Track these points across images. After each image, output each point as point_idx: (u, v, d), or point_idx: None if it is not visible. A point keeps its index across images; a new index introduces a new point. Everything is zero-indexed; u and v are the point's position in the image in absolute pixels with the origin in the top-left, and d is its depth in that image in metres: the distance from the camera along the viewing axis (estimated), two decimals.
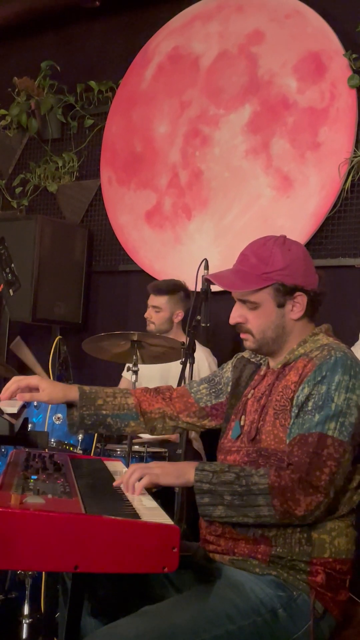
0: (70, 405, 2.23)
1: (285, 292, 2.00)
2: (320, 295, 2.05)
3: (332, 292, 2.10)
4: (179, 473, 1.89)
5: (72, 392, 2.21)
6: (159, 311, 4.04)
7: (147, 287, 4.15)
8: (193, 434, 3.80)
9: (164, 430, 2.27)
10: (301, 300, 2.02)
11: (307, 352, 2.00)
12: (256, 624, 1.80)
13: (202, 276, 3.09)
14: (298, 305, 2.02)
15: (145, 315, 4.10)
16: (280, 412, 1.96)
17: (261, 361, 2.16)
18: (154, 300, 4.06)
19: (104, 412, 2.21)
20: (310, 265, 2.06)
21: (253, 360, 2.18)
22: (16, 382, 2.18)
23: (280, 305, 2.02)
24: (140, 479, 1.89)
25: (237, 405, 2.12)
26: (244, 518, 1.83)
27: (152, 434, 2.28)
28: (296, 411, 1.91)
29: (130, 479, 1.89)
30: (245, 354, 2.23)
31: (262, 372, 2.12)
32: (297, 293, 2.01)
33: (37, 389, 2.18)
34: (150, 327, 4.06)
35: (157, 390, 2.30)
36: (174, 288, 4.05)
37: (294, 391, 1.95)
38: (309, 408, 1.88)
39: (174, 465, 1.96)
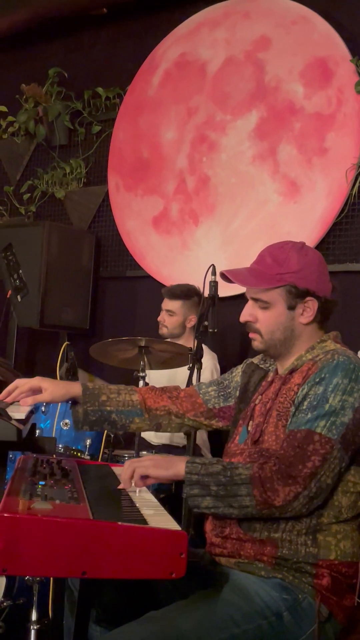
0: (75, 402, 2.24)
1: (296, 295, 2.02)
2: (331, 304, 2.07)
3: (339, 297, 2.11)
4: (170, 465, 1.91)
5: (74, 388, 2.22)
6: (173, 315, 4.05)
7: (161, 291, 4.16)
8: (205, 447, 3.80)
9: (169, 428, 2.28)
10: (312, 305, 2.03)
11: (314, 357, 2.01)
12: (261, 628, 1.80)
13: (215, 277, 3.11)
14: (308, 309, 2.04)
15: (159, 318, 4.11)
16: (283, 413, 1.98)
17: (270, 367, 2.17)
18: (168, 304, 4.07)
19: (108, 408, 2.22)
20: (325, 272, 2.07)
21: (262, 366, 2.19)
22: (18, 385, 2.18)
23: (291, 308, 2.03)
24: (133, 474, 1.90)
25: (245, 411, 2.13)
26: (230, 509, 1.85)
27: (157, 430, 2.29)
28: (293, 410, 1.94)
29: (124, 475, 1.92)
30: (255, 360, 2.24)
31: (269, 379, 2.13)
32: (309, 297, 2.03)
33: (39, 390, 2.19)
34: (163, 330, 4.08)
35: (163, 389, 2.30)
36: (188, 293, 4.05)
37: (296, 393, 1.97)
38: (304, 407, 1.91)
39: (165, 458, 1.98)
